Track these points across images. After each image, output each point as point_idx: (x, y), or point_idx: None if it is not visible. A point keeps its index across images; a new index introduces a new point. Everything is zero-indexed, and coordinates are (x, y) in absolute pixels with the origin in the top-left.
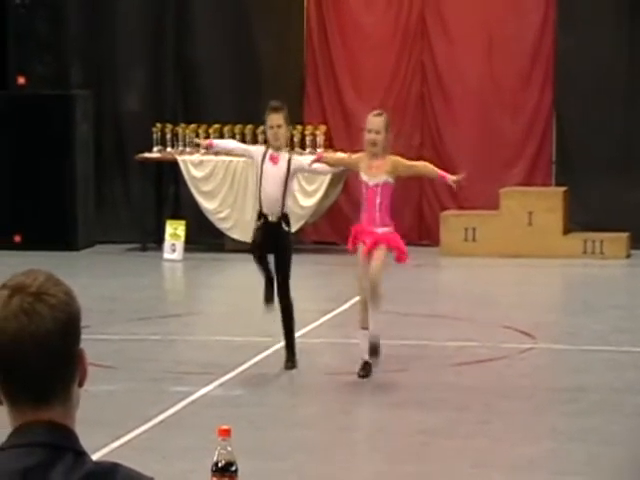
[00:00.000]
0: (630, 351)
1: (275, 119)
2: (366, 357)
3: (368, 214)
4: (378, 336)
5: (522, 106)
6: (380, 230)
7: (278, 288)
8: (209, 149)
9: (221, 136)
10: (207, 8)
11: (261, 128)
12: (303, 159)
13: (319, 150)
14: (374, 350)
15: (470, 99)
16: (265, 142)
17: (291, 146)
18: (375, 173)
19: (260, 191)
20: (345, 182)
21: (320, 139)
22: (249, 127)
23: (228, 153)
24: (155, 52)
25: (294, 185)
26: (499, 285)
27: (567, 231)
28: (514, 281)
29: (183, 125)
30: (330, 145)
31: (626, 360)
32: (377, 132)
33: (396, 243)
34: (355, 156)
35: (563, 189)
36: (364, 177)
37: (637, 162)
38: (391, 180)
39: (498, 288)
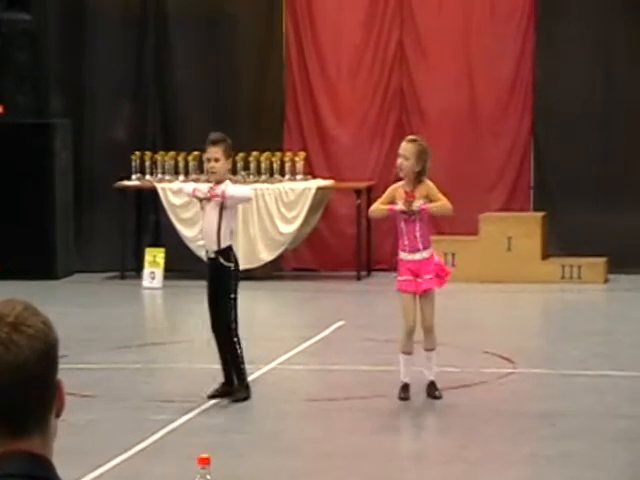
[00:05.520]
0: (609, 375)
1: (212, 152)
2: (406, 380)
3: (410, 241)
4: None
5: (501, 132)
6: (422, 255)
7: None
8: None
9: (200, 163)
10: (187, 36)
11: (240, 155)
12: (234, 188)
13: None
14: (437, 389)
15: (449, 125)
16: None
17: (270, 173)
18: (411, 200)
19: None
20: (325, 208)
21: (299, 165)
22: None
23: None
24: (134, 80)
25: (234, 220)
26: (479, 310)
27: (545, 256)
28: (493, 306)
29: (162, 153)
30: (310, 171)
31: (605, 385)
32: (406, 158)
33: (441, 280)
34: (390, 188)
35: (541, 214)
36: (400, 205)
37: (614, 187)
38: (426, 202)
39: (478, 313)
